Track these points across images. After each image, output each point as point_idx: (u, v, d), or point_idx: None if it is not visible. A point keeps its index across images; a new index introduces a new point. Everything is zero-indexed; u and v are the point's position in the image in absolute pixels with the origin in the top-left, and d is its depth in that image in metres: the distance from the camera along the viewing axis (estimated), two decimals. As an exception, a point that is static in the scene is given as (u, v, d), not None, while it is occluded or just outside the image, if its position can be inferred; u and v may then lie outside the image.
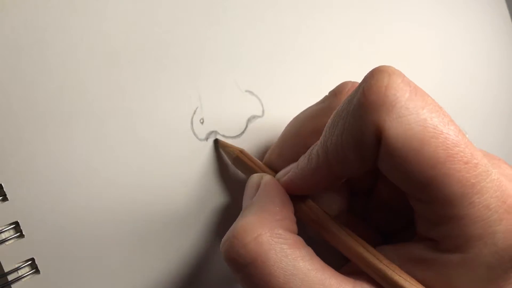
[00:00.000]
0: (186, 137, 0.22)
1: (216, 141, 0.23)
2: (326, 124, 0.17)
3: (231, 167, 0.23)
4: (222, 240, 0.17)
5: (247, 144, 0.24)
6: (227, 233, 0.17)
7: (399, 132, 0.15)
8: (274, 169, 0.21)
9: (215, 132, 0.23)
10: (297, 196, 0.19)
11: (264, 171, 0.21)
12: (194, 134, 0.23)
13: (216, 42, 0.24)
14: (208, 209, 0.23)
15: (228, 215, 0.23)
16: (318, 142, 0.18)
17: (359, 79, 0.21)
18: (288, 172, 0.20)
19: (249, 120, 0.24)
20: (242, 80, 0.24)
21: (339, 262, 0.19)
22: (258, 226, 0.17)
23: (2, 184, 0.18)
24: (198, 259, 0.22)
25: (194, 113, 0.23)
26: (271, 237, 0.16)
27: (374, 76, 0.15)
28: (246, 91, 0.25)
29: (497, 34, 0.41)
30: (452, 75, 0.36)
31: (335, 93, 0.20)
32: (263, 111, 0.25)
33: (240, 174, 0.23)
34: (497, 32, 0.41)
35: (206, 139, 0.23)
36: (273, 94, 0.25)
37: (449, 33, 0.37)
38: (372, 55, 0.31)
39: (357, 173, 0.17)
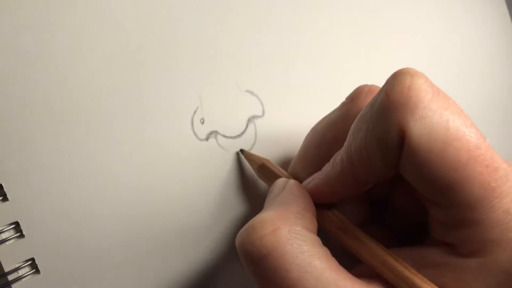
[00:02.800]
0: (186, 137, 0.22)
1: (241, 151, 0.23)
2: (350, 129, 0.17)
3: (233, 166, 0.23)
4: (239, 231, 0.17)
5: (247, 144, 0.24)
6: (245, 225, 0.17)
7: (422, 133, 0.15)
8: (298, 180, 0.21)
9: (215, 132, 0.23)
10: (322, 205, 0.19)
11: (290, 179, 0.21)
12: (194, 134, 0.23)
13: (216, 42, 0.24)
14: (208, 209, 0.23)
15: (227, 212, 0.23)
16: (342, 148, 0.18)
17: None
18: (313, 179, 0.19)
19: (249, 120, 0.24)
20: (242, 80, 0.24)
21: (348, 265, 0.19)
22: (278, 220, 0.16)
23: (2, 184, 0.18)
24: (200, 258, 0.22)
25: (194, 113, 0.23)
26: (290, 232, 0.16)
27: (396, 77, 0.15)
28: (246, 91, 0.25)
29: (497, 34, 0.41)
30: (452, 75, 0.36)
31: (352, 98, 0.20)
32: (263, 111, 0.25)
33: (243, 172, 0.23)
34: (497, 32, 0.41)
35: (206, 139, 0.23)
36: (273, 94, 0.25)
37: (449, 34, 0.37)
38: (372, 55, 0.31)
39: (381, 177, 0.17)
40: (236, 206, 0.23)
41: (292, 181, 0.20)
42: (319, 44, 0.28)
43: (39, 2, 0.19)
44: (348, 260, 0.18)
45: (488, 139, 0.16)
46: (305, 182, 0.20)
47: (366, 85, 0.20)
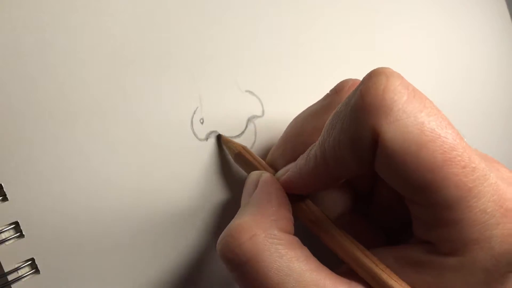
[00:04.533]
0: (186, 137, 0.22)
1: (219, 137, 0.23)
2: (325, 125, 0.17)
3: (232, 167, 0.23)
4: (219, 239, 0.17)
5: (247, 144, 0.24)
6: (223, 232, 0.17)
7: (396, 136, 0.15)
8: (276, 168, 0.21)
9: (215, 132, 0.23)
10: (296, 195, 0.19)
11: (265, 169, 0.21)
12: (194, 134, 0.23)
13: (216, 42, 0.24)
14: (208, 209, 0.23)
15: (228, 214, 0.23)
16: (317, 142, 0.18)
17: (359, 78, 0.21)
18: (288, 171, 0.20)
19: (249, 120, 0.24)
20: (242, 80, 0.24)
21: (335, 261, 0.19)
22: (254, 226, 0.17)
23: (2, 184, 0.18)
24: (199, 259, 0.22)
25: (194, 113, 0.23)
26: (266, 237, 0.16)
27: (372, 78, 0.15)
28: (246, 91, 0.25)
29: (497, 34, 0.41)
30: (451, 75, 0.36)
31: (336, 90, 0.20)
32: (263, 111, 0.25)
33: (240, 172, 0.23)
34: (496, 32, 0.41)
35: (206, 139, 0.23)
36: (273, 94, 0.25)
37: (449, 33, 0.37)
38: (371, 55, 0.31)
39: (354, 174, 0.17)
40: (236, 205, 0.23)
41: (265, 176, 0.20)
42: (319, 44, 0.28)
43: (39, 2, 0.19)
44: (335, 255, 0.18)
45: (465, 139, 0.16)
46: (279, 172, 0.20)
47: (350, 79, 0.20)
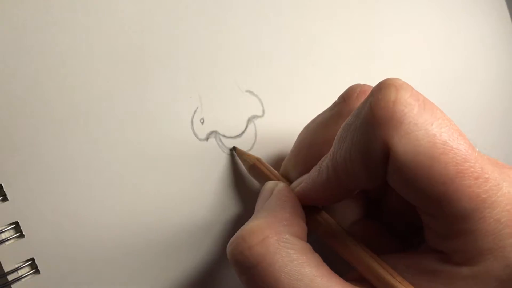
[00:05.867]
0: (186, 137, 0.22)
1: (233, 149, 0.23)
2: (336, 136, 0.17)
3: (232, 167, 0.23)
4: (229, 241, 0.17)
5: (247, 144, 0.24)
6: (235, 234, 0.17)
7: (407, 149, 0.15)
8: (290, 180, 0.21)
9: (215, 132, 0.23)
10: (311, 207, 0.19)
11: (279, 180, 0.21)
12: (194, 134, 0.23)
13: (216, 42, 0.24)
14: (208, 209, 0.23)
15: (226, 214, 0.23)
16: (328, 154, 0.18)
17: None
18: (301, 182, 0.19)
19: (249, 120, 0.24)
20: (242, 80, 0.24)
21: (344, 268, 0.19)
22: (266, 229, 0.16)
23: (2, 184, 0.18)
24: (198, 259, 0.22)
25: (194, 113, 0.23)
26: (278, 240, 0.16)
27: (381, 90, 0.15)
28: (246, 91, 0.25)
29: (497, 34, 0.41)
30: (451, 76, 0.36)
31: (344, 98, 0.20)
32: (263, 111, 0.25)
33: (242, 177, 0.23)
34: (496, 32, 0.41)
35: (206, 139, 0.23)
36: (273, 94, 0.25)
37: (449, 34, 0.37)
38: (372, 55, 0.31)
39: (367, 187, 0.17)
40: (236, 205, 0.23)
41: (280, 185, 0.20)
42: (319, 44, 0.28)
43: (39, 2, 0.19)
44: (346, 263, 0.18)
45: (476, 148, 0.16)
46: (294, 184, 0.20)
47: (358, 85, 0.20)
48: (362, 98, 0.17)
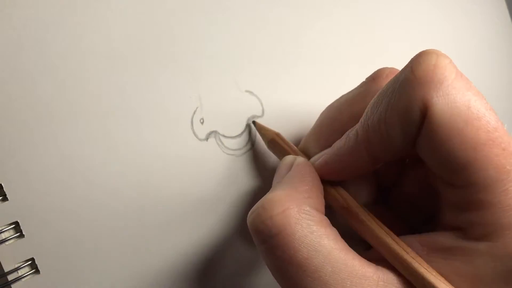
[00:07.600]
0: (186, 137, 0.22)
1: (253, 123, 0.24)
2: (368, 105, 0.17)
3: (232, 168, 0.23)
4: (250, 211, 0.17)
5: (247, 144, 0.24)
6: (255, 204, 0.17)
7: (445, 109, 0.15)
8: (309, 155, 0.21)
9: (215, 132, 0.23)
10: (329, 182, 0.19)
11: (298, 155, 0.21)
12: (194, 134, 0.23)
13: (216, 42, 0.24)
14: (208, 209, 0.23)
15: (225, 214, 0.23)
16: (358, 124, 0.18)
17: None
18: (322, 156, 0.20)
19: (249, 120, 0.24)
20: (242, 80, 0.24)
21: (361, 249, 0.19)
22: (287, 200, 0.17)
23: (2, 184, 0.18)
24: (197, 263, 0.22)
25: (194, 113, 0.23)
26: (299, 212, 0.16)
27: (422, 56, 0.16)
28: (246, 91, 0.25)
29: (497, 34, 0.41)
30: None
31: (373, 77, 0.20)
32: (263, 111, 0.25)
33: (241, 174, 0.23)
34: (496, 32, 0.41)
35: (206, 139, 0.23)
36: (273, 94, 0.25)
37: (448, 34, 0.37)
38: (372, 55, 0.31)
39: (395, 154, 0.17)
40: (236, 205, 0.23)
41: (300, 159, 0.20)
42: (319, 44, 0.28)
43: (39, 2, 0.19)
44: (363, 243, 0.18)
45: (505, 125, 0.16)
46: (313, 159, 0.20)
47: (387, 68, 0.20)
48: (390, 78, 0.18)
